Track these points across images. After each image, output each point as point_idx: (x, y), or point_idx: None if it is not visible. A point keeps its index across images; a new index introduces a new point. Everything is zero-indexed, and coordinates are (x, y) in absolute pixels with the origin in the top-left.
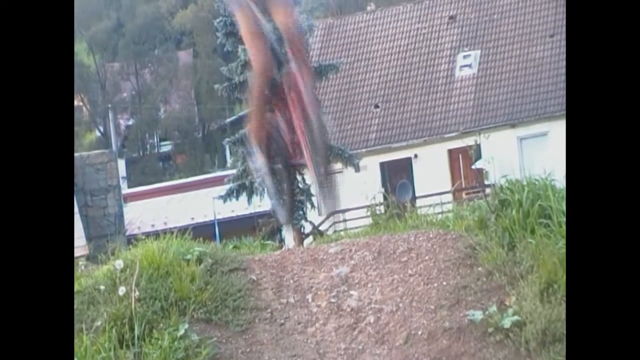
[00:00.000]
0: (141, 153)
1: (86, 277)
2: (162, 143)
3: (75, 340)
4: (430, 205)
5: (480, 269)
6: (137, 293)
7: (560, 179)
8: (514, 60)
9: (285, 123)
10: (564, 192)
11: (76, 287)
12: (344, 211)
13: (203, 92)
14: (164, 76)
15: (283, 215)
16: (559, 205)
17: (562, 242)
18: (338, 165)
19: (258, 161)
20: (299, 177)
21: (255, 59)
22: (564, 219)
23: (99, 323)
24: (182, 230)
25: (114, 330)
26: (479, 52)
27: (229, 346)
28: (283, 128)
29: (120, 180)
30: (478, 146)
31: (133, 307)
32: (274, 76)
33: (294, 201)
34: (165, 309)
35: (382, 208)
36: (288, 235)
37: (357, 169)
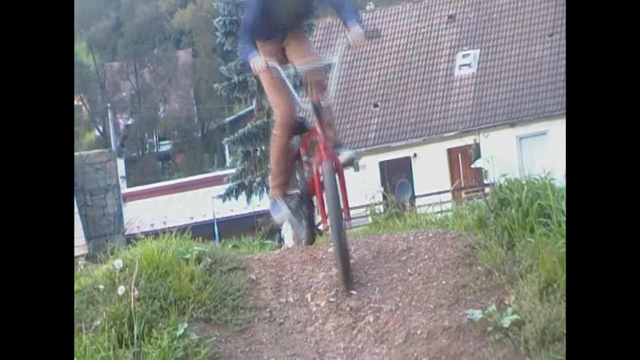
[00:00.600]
0: (140, 152)
1: (85, 276)
2: (162, 142)
3: (75, 340)
4: (429, 205)
5: (479, 268)
6: (136, 292)
7: (559, 178)
8: (513, 59)
9: (307, 156)
10: (564, 191)
11: (75, 286)
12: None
13: (202, 92)
14: (163, 75)
15: (306, 238)
16: (559, 205)
17: (562, 242)
18: None
19: (282, 212)
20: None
21: (278, 109)
22: (564, 218)
23: (98, 322)
24: (181, 229)
25: (113, 330)
26: (478, 51)
27: (228, 345)
28: (304, 163)
29: (120, 180)
30: (477, 145)
31: (132, 306)
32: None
33: (314, 224)
34: (165, 308)
35: (381, 207)
36: (287, 234)
37: (357, 168)
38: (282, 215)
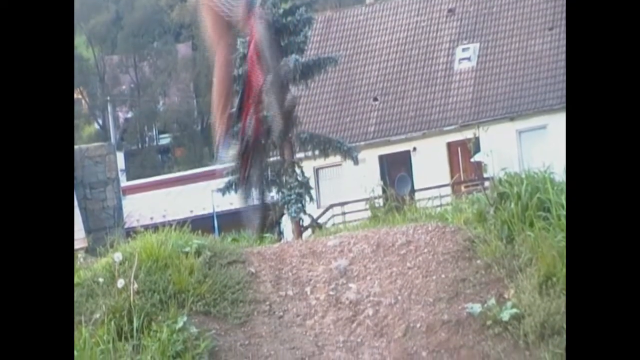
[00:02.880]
0: (140, 146)
1: (85, 269)
2: (161, 136)
3: (75, 333)
4: (429, 198)
5: (479, 261)
6: (135, 286)
7: (559, 172)
8: (513, 53)
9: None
10: (563, 185)
11: (75, 279)
12: (343, 204)
13: (202, 85)
14: (163, 69)
15: (253, 222)
16: (558, 198)
17: (561, 235)
18: (337, 158)
19: (231, 150)
20: (297, 170)
21: (219, 48)
22: (563, 212)
23: (98, 315)
24: (181, 223)
25: (112, 323)
26: (478, 45)
27: (228, 339)
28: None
29: (119, 173)
30: (477, 139)
31: (132, 299)
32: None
33: (267, 205)
34: (164, 301)
35: (381, 201)
36: (287, 228)
37: (356, 162)
38: (232, 153)
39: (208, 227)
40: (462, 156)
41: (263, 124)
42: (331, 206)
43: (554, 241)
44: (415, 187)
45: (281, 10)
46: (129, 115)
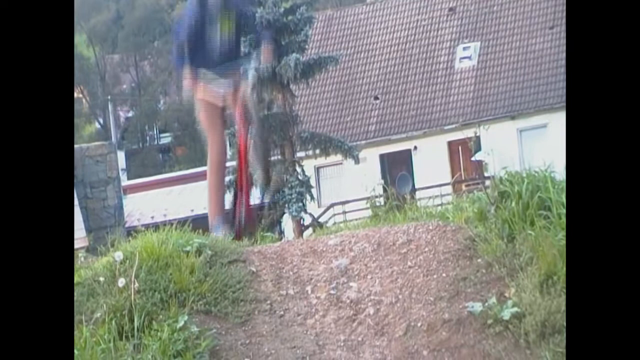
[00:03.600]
0: (141, 145)
1: (86, 268)
2: (162, 135)
3: (75, 332)
4: (429, 197)
5: (479, 260)
6: (136, 285)
7: (559, 171)
8: (513, 52)
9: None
10: (564, 184)
11: (76, 278)
12: (343, 203)
13: None
14: (164, 68)
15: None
16: (559, 197)
17: (562, 234)
18: (338, 157)
19: (225, 226)
20: (298, 169)
21: (214, 146)
22: (564, 211)
23: (98, 315)
24: (182, 222)
25: (113, 322)
26: (478, 43)
27: (229, 338)
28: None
29: (120, 172)
30: (478, 138)
31: (132, 298)
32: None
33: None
34: (165, 300)
35: (381, 200)
36: (288, 227)
37: (357, 161)
38: (222, 233)
39: (209, 226)
40: (463, 155)
41: (255, 212)
42: (332, 205)
43: (554, 240)
44: (416, 186)
45: (282, 9)
46: (130, 114)
